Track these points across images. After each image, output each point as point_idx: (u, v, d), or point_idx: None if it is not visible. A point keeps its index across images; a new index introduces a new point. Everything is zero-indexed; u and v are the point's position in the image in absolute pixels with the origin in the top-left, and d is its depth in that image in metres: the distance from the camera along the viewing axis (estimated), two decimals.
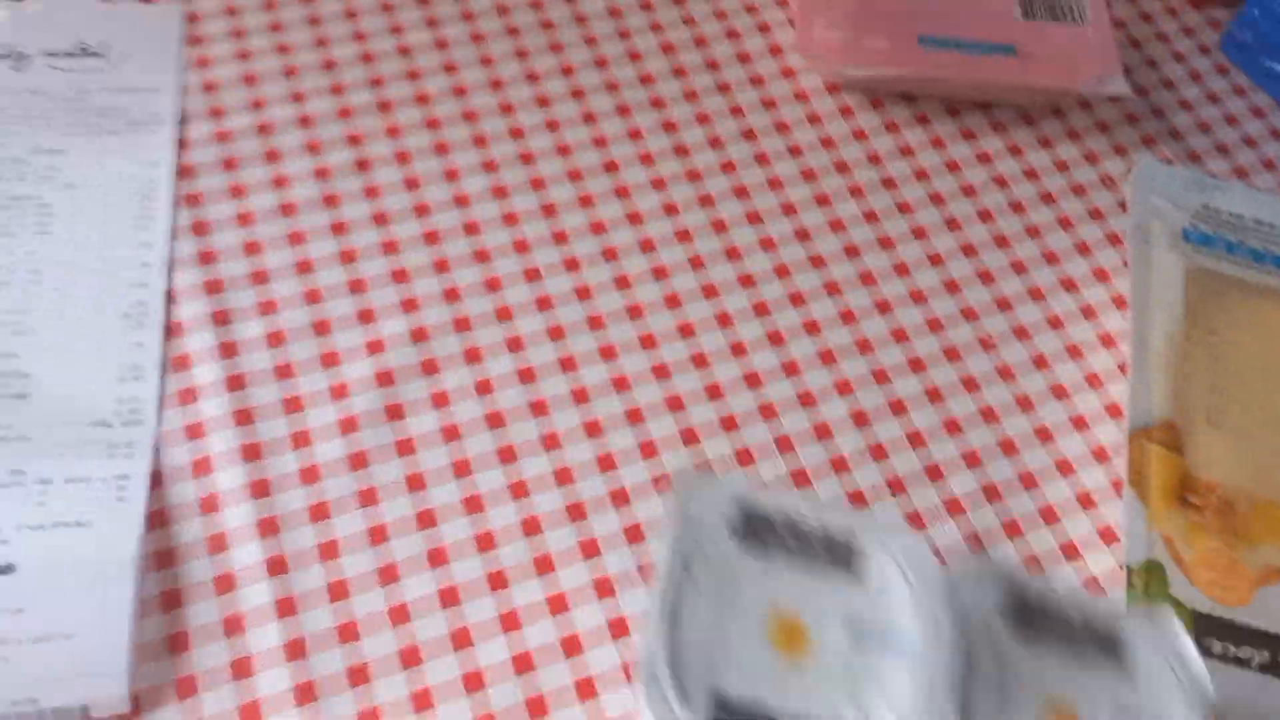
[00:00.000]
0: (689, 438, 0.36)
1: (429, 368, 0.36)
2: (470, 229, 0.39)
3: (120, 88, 0.39)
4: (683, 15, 0.46)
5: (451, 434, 0.35)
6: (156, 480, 0.33)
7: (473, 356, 0.36)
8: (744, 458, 0.36)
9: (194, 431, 0.34)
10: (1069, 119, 0.45)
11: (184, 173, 0.38)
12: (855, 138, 0.44)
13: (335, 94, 0.41)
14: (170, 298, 0.36)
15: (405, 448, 0.34)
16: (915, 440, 0.37)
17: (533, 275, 0.38)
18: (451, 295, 0.37)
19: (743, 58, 0.45)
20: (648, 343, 0.37)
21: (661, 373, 0.37)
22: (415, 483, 0.34)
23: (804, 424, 0.37)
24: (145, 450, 0.33)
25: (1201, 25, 0.49)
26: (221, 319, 0.36)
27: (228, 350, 0.35)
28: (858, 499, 0.35)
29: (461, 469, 0.34)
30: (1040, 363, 0.39)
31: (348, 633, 0.31)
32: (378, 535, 0.33)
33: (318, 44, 0.42)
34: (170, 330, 0.35)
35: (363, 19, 0.43)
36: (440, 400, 0.35)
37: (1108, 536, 0.36)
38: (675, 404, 0.36)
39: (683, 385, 0.37)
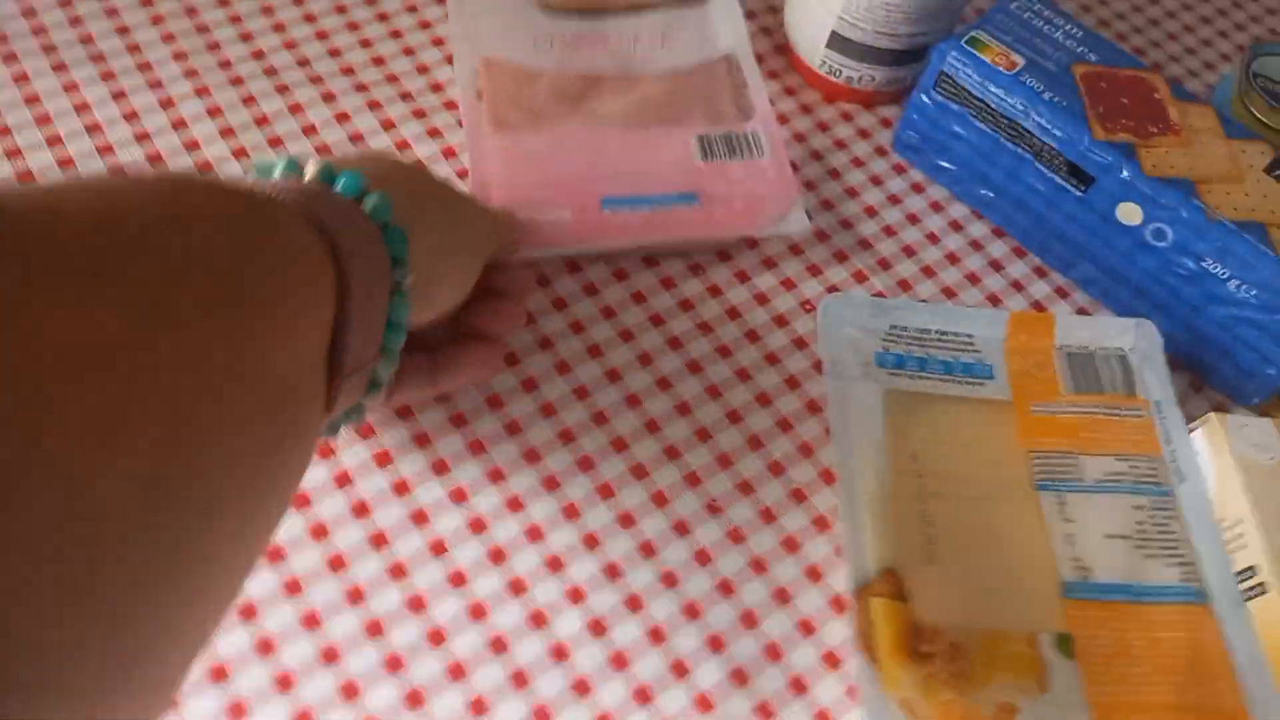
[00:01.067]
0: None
1: None
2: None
3: None
4: None
5: None
6: None
7: None
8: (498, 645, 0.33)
9: None
10: (763, 248, 0.46)
11: None
12: (555, 307, 0.42)
13: None
14: None
15: None
16: (655, 637, 0.35)
17: None
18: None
19: None
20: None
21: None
22: None
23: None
24: None
25: (875, 126, 0.51)
26: None
27: None
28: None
29: None
30: (767, 516, 0.39)
31: None
32: None
33: None
34: None
35: None
36: None
37: (857, 695, 0.35)
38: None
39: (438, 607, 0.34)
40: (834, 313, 0.41)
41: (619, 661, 0.35)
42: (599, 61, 0.48)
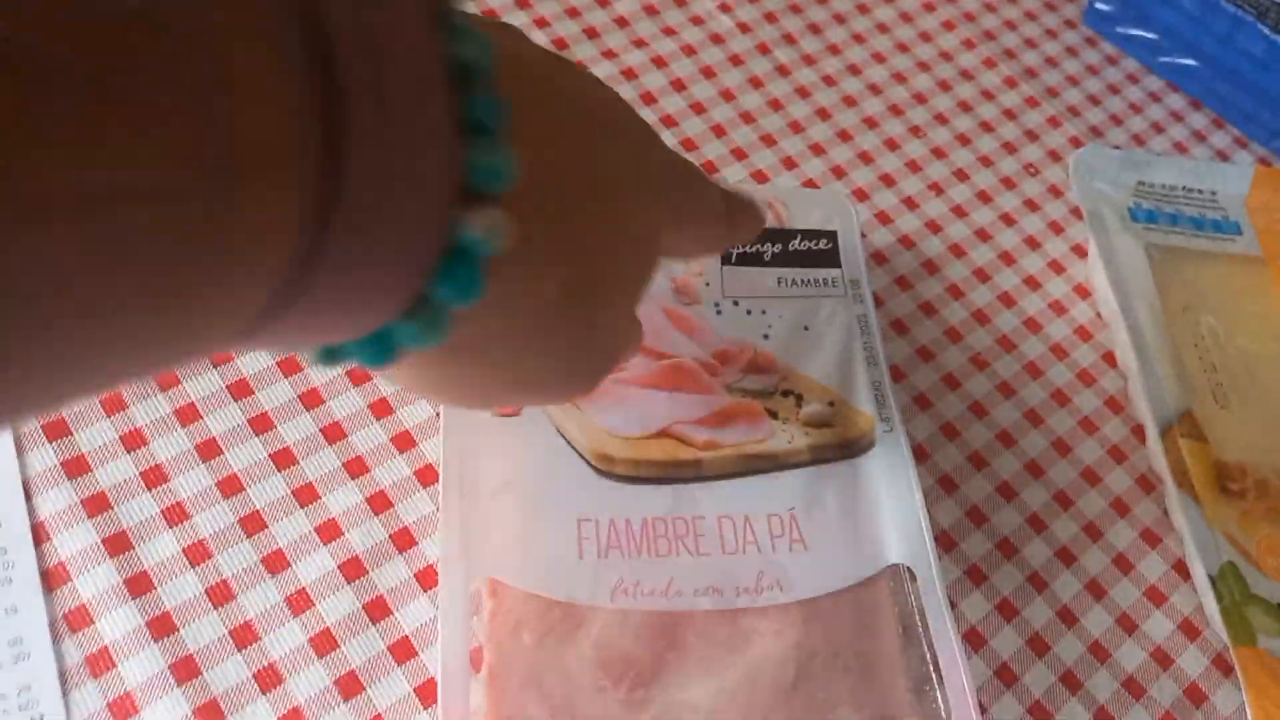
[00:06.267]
0: None
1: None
2: None
3: None
4: None
5: None
6: None
7: None
8: None
9: (121, 709, 0.25)
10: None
11: None
12: None
13: None
14: (37, 532, 0.27)
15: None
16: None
17: None
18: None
19: None
20: None
21: None
22: None
23: None
24: None
25: (1061, 0, 0.49)
26: (118, 544, 0.27)
27: (138, 585, 0.27)
28: None
29: None
30: (1032, 370, 0.37)
31: None
32: None
33: None
34: (49, 577, 0.26)
35: None
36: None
37: (1151, 539, 0.34)
38: None
39: None
40: (1087, 165, 0.40)
41: None
42: (685, 578, 0.27)
